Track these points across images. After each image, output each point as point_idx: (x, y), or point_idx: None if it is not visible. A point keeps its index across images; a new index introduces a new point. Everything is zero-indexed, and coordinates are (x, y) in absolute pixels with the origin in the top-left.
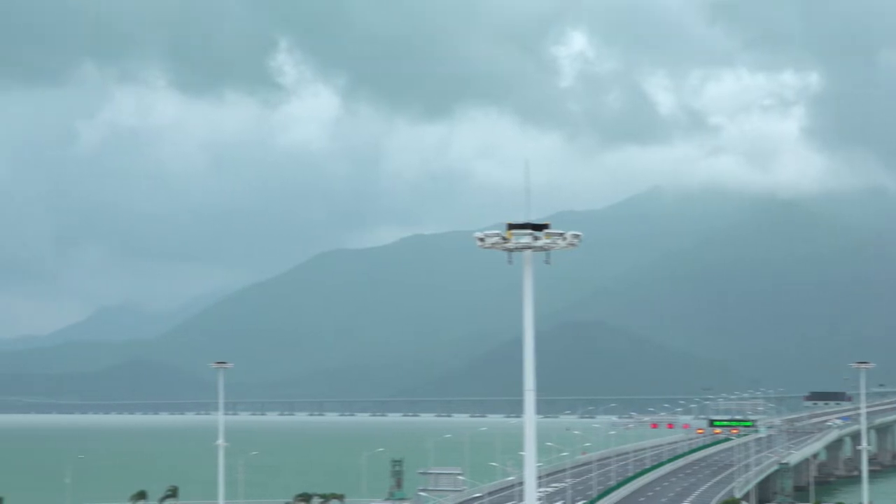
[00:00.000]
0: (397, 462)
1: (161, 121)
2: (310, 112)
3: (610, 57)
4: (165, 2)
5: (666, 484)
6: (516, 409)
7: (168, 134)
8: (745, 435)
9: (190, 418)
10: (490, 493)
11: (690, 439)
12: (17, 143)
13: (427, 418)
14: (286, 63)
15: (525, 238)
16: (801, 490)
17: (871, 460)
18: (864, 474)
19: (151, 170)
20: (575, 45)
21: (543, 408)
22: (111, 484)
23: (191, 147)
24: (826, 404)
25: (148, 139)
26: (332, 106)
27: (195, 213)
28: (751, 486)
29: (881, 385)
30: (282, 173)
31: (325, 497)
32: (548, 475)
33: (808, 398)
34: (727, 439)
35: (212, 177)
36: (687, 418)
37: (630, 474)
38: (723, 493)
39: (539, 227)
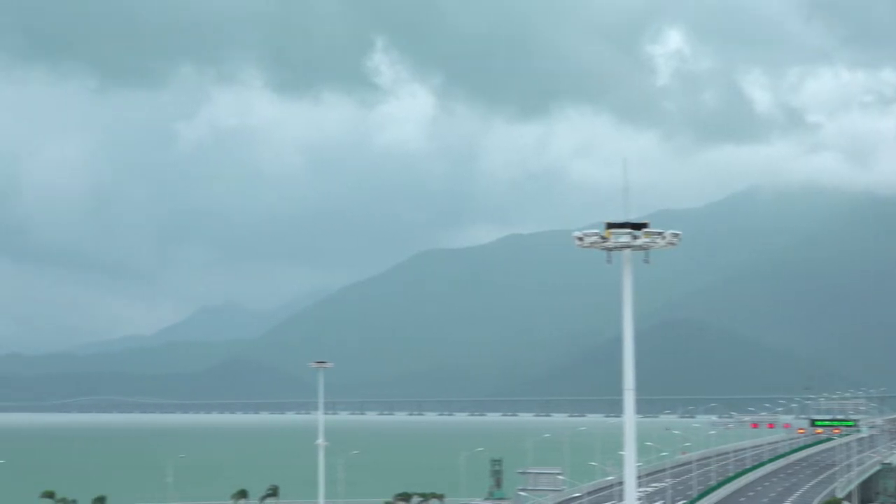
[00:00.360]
0: (496, 462)
1: (259, 121)
2: (406, 112)
3: (706, 55)
4: (263, 2)
5: (767, 484)
6: (616, 408)
7: (266, 134)
8: (846, 435)
9: (290, 418)
10: (589, 493)
11: (791, 439)
12: (119, 145)
13: (526, 418)
14: (382, 63)
15: (624, 237)
16: None
17: None
18: None
19: (250, 170)
20: (671, 43)
21: (643, 407)
22: (212, 483)
23: (289, 147)
24: None
25: (246, 140)
26: (427, 105)
27: (294, 214)
28: (853, 486)
29: None
30: (379, 173)
31: (425, 496)
32: (647, 475)
33: None
34: (829, 439)
35: (310, 177)
36: (788, 418)
37: (730, 474)
38: (824, 493)
39: (638, 227)
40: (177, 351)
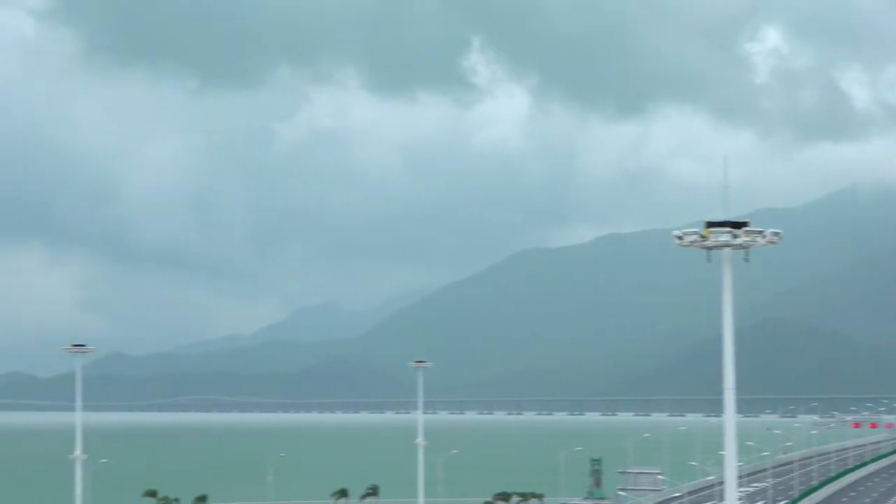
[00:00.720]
0: (596, 461)
1: (356, 121)
2: (503, 111)
3: (804, 52)
4: (360, 2)
5: (869, 484)
6: (716, 407)
7: (363, 134)
8: None
9: (389, 417)
10: (690, 493)
11: (894, 439)
12: (217, 145)
13: (625, 417)
14: (479, 62)
15: (724, 236)
16: None
17: None
18: None
19: (348, 170)
20: (769, 41)
21: (743, 407)
22: (312, 482)
23: (385, 147)
24: None
25: (343, 140)
26: (524, 105)
27: (392, 214)
28: None
29: None
30: (476, 173)
31: (524, 496)
32: (748, 475)
33: None
34: None
35: (407, 177)
36: (890, 418)
37: (832, 474)
38: None
39: (738, 225)
40: (276, 351)
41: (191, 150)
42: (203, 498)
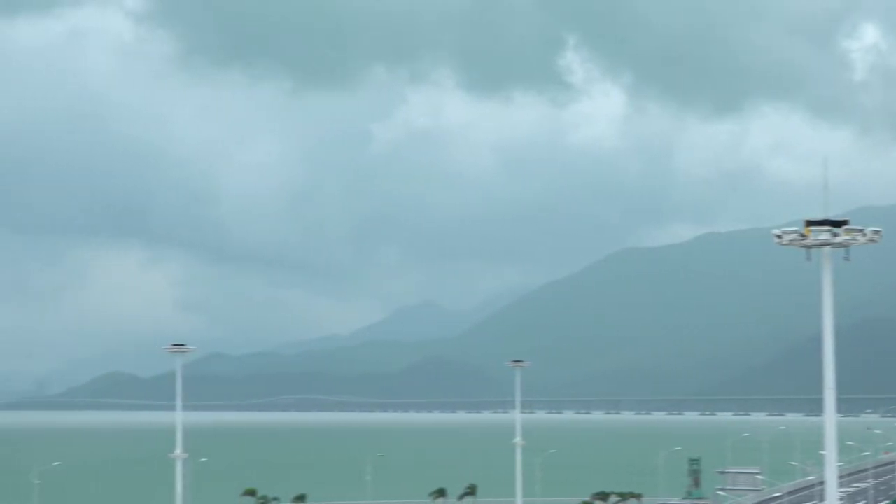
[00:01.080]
0: (695, 461)
1: (451, 121)
2: (599, 110)
3: None
4: (455, 2)
5: None
6: (816, 407)
7: (459, 134)
8: None
9: (486, 417)
10: (789, 493)
11: None
12: (314, 146)
13: (724, 417)
14: (574, 61)
15: (824, 235)
16: None
17: None
18: None
19: (445, 170)
20: (868, 38)
21: (844, 406)
22: (410, 481)
23: (482, 147)
24: None
25: (440, 140)
26: (619, 104)
27: (490, 213)
28: None
29: None
30: (573, 172)
31: (623, 496)
32: (849, 475)
33: None
34: None
35: (504, 176)
36: None
37: None
38: None
39: (838, 224)
40: (375, 350)
41: (288, 151)
42: (302, 497)
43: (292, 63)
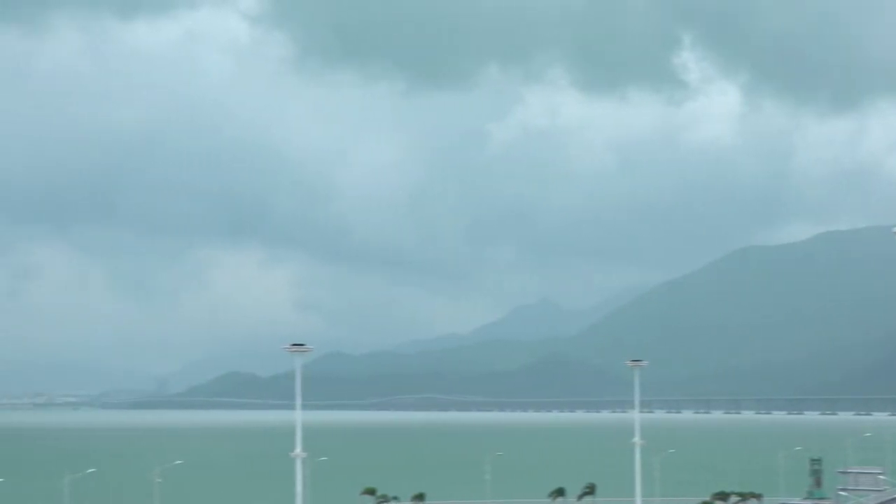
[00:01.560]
0: (816, 461)
1: (567, 120)
2: (714, 109)
3: None
4: (569, 1)
5: None
6: None
7: (575, 133)
8: None
9: (605, 416)
10: None
11: None
12: (430, 145)
13: (845, 416)
14: (690, 60)
15: None
16: None
17: None
18: None
19: (560, 169)
20: None
21: None
22: (529, 481)
23: (598, 146)
24: None
25: (556, 139)
26: (735, 102)
27: (606, 212)
28: None
29: None
30: (690, 171)
31: (743, 496)
32: None
33: None
34: None
35: (620, 175)
36: None
37: None
38: None
39: None
40: (493, 349)
41: (404, 151)
42: (421, 496)
43: (406, 63)
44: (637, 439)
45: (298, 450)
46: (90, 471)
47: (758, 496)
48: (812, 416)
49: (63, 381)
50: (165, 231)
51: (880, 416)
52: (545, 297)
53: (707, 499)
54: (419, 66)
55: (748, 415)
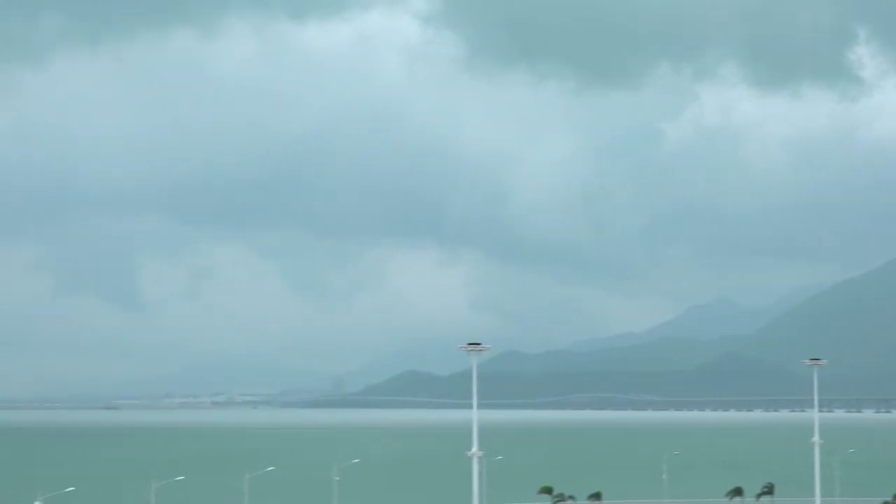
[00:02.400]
0: None
1: (741, 117)
2: (890, 105)
3: None
4: None
5: None
6: None
7: (749, 130)
8: None
9: (783, 415)
10: None
11: None
12: (603, 144)
13: None
14: (865, 55)
15: None
16: None
17: None
18: None
19: (735, 167)
20: None
21: None
22: (706, 480)
23: (773, 142)
24: None
25: (730, 136)
26: None
27: (782, 209)
28: None
29: None
30: (868, 167)
31: None
32: None
33: None
34: None
35: (796, 172)
36: None
37: None
38: None
39: None
40: (669, 348)
41: (577, 150)
42: (597, 495)
43: (575, 61)
44: (816, 439)
45: (475, 449)
46: (269, 469)
47: None
48: None
49: (242, 381)
50: (341, 232)
51: None
52: (721, 296)
53: (888, 499)
54: (589, 64)
55: None
